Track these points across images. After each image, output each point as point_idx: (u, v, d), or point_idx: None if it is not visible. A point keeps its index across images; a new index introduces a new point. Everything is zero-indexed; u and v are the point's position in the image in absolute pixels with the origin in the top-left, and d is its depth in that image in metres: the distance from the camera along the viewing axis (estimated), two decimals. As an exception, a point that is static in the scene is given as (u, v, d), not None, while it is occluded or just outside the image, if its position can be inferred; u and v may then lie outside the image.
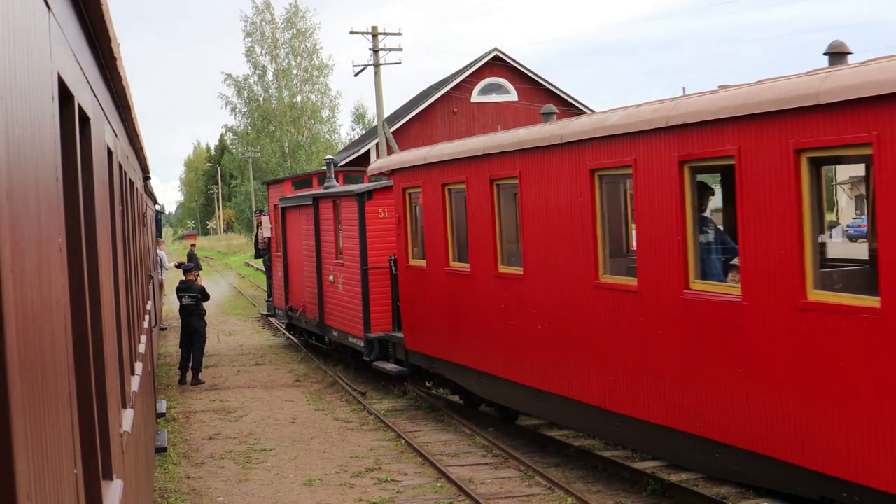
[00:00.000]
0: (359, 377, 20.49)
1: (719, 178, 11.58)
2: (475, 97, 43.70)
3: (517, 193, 12.82)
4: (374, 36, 39.43)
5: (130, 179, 10.30)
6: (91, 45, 5.06)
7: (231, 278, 54.24)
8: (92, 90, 4.96)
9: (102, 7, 4.42)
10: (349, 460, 13.56)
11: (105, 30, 4.85)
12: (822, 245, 9.65)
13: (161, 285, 29.32)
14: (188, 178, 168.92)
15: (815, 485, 8.35)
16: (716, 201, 11.77)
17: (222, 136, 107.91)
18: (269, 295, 28.00)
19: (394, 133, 40.90)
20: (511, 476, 12.44)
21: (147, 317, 13.65)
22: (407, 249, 16.47)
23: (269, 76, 72.43)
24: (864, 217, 30.67)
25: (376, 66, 39.24)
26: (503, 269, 13.28)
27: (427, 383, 17.92)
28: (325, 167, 24.14)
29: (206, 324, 21.22)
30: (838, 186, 64.73)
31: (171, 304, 29.55)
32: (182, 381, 20.66)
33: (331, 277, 20.55)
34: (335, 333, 20.66)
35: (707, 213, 10.58)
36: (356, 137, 75.75)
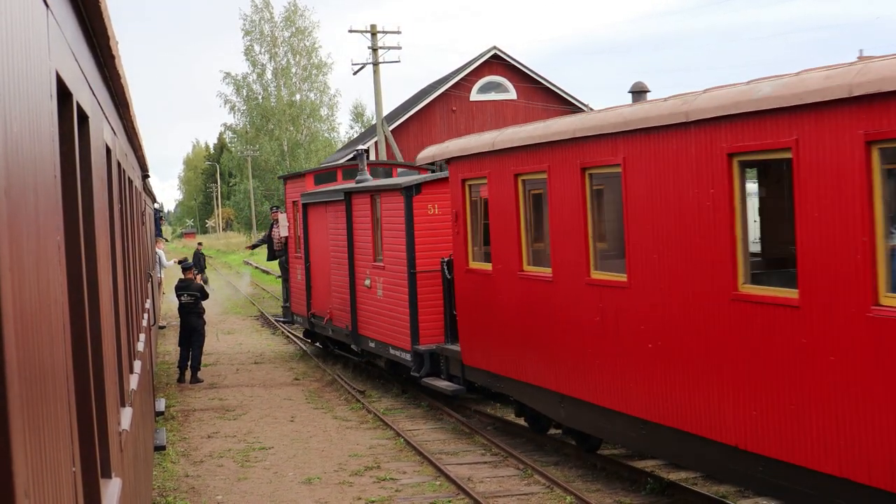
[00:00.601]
0: (357, 376, 20.50)
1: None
2: (474, 96, 43.69)
3: (620, 184, 10.62)
4: (373, 34, 39.42)
5: (129, 178, 10.29)
6: (89, 43, 5.05)
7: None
8: (90, 88, 4.95)
9: (101, 5, 4.42)
10: (348, 459, 13.57)
11: (103, 28, 4.84)
12: None
13: (160, 284, 29.31)
14: (187, 176, 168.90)
15: None
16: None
17: (221, 134, 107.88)
18: (286, 300, 25.25)
19: (392, 132, 40.90)
20: (510, 474, 12.45)
21: (146, 315, 13.65)
22: (466, 250, 14.45)
23: (268, 75, 72.43)
24: None
25: (375, 64, 39.23)
26: (598, 276, 11.20)
27: (489, 408, 16.07)
28: (354, 159, 21.84)
29: (205, 322, 21.23)
30: None
31: (170, 303, 29.56)
32: (181, 380, 20.66)
33: (367, 282, 18.47)
34: (371, 344, 18.52)
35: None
36: (355, 136, 75.75)
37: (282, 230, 24.64)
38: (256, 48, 72.30)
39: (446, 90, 43.61)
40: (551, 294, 12.04)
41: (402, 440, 14.44)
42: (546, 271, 12.23)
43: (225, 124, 79.19)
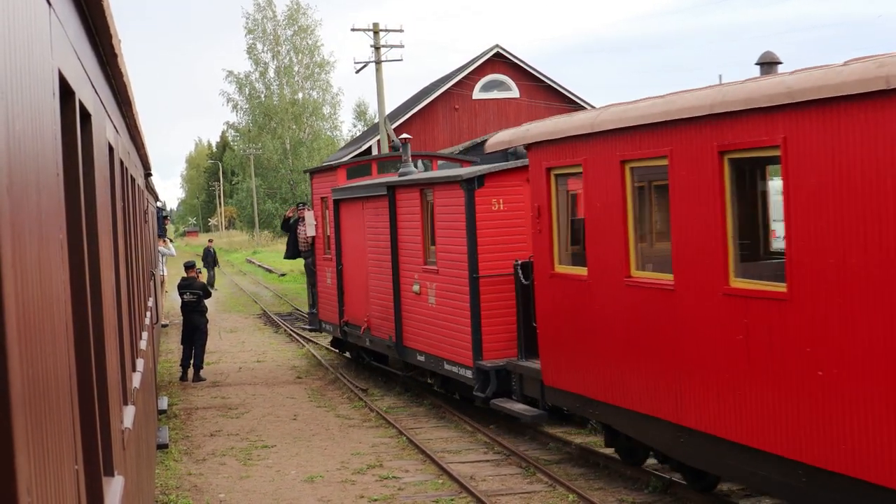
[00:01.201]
0: (360, 374, 20.50)
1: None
2: (477, 94, 43.68)
3: (780, 170, 8.76)
4: (376, 33, 39.41)
5: (132, 176, 10.30)
6: (92, 42, 5.06)
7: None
8: (93, 86, 4.96)
9: (103, 3, 4.42)
10: (350, 457, 13.57)
11: (106, 26, 4.85)
12: None
13: (163, 282, 29.34)
14: (189, 174, 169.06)
15: None
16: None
17: (224, 132, 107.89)
18: (312, 305, 23.20)
19: (395, 130, 40.90)
20: (512, 473, 12.45)
21: (148, 313, 13.66)
22: (552, 251, 12.32)
23: (271, 73, 72.46)
24: None
25: (378, 63, 39.23)
26: (741, 284, 9.18)
27: (555, 430, 14.10)
28: (396, 150, 19.27)
29: (207, 321, 21.25)
30: None
31: (172, 301, 29.59)
32: (183, 378, 20.68)
33: (415, 287, 16.49)
34: (420, 358, 16.52)
35: None
36: (357, 134, 75.77)
37: (308, 229, 22.34)
38: (259, 46, 72.33)
39: (449, 88, 43.60)
40: (672, 305, 9.99)
41: (404, 438, 14.44)
42: (665, 278, 10.13)
43: (227, 122, 79.33)
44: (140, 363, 8.85)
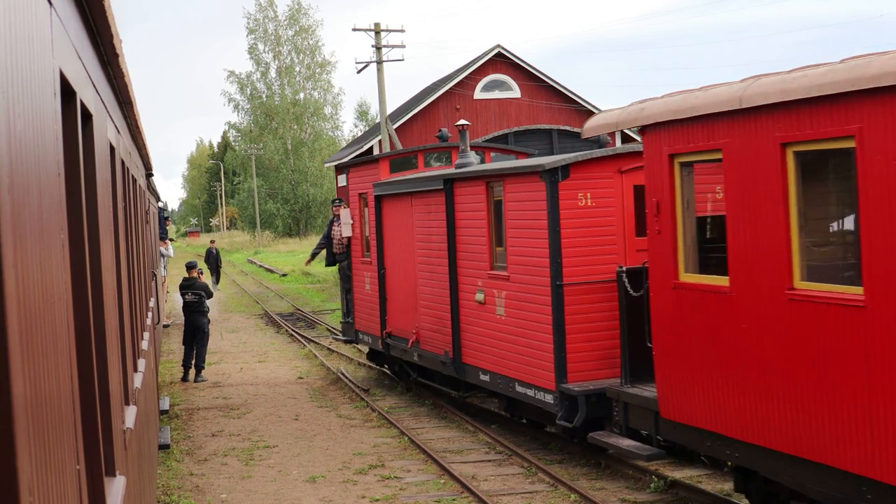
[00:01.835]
0: (361, 374, 20.50)
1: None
2: (478, 94, 43.68)
3: None
4: (377, 33, 39.43)
5: (133, 176, 10.30)
6: (93, 42, 5.06)
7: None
8: (94, 87, 4.96)
9: (104, 3, 4.42)
10: (352, 457, 13.57)
11: (107, 26, 4.85)
12: None
13: (164, 282, 29.36)
14: (191, 175, 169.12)
15: None
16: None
17: (225, 133, 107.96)
18: (348, 314, 20.59)
19: (396, 130, 40.91)
20: (514, 473, 12.45)
21: (150, 313, 13.66)
22: (676, 256, 10.16)
23: (272, 73, 72.57)
24: None
25: (379, 63, 39.24)
26: None
27: (671, 470, 11.85)
28: (444, 140, 18.02)
29: (208, 321, 21.26)
30: None
31: (173, 302, 29.60)
32: (185, 378, 20.69)
33: (479, 295, 14.42)
34: (484, 377, 14.38)
35: None
36: (359, 134, 75.79)
37: (344, 229, 19.82)
38: (260, 47, 72.43)
39: (450, 88, 43.60)
40: (863, 327, 7.75)
41: (406, 438, 14.44)
42: (854, 293, 7.87)
43: (229, 123, 79.68)
44: (141, 363, 8.85)
